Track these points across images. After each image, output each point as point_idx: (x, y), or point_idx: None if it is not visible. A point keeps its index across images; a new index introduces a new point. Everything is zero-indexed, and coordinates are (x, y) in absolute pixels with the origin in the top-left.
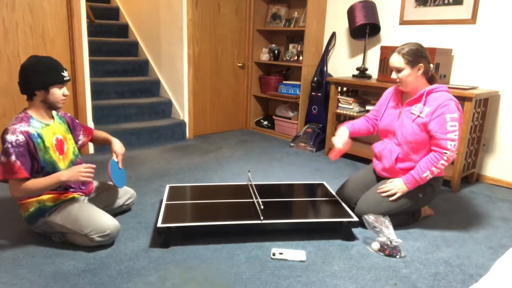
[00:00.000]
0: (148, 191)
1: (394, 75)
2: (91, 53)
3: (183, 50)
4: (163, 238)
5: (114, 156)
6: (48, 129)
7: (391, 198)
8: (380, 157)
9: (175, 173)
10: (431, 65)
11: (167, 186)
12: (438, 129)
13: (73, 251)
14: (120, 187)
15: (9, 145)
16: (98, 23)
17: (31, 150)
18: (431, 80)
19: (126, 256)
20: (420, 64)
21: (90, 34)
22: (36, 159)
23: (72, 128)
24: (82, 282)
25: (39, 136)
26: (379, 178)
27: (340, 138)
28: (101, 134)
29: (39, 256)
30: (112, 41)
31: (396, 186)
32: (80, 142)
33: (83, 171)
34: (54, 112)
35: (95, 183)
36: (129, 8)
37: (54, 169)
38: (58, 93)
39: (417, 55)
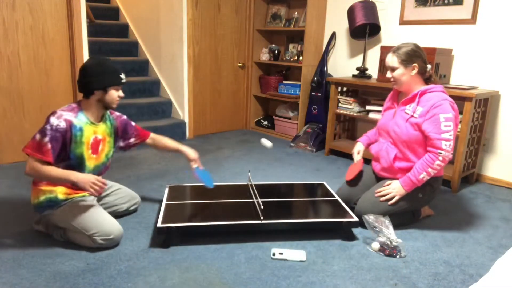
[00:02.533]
0: (148, 191)
1: (389, 74)
2: (91, 53)
3: (183, 50)
4: (163, 238)
5: (193, 164)
6: (91, 127)
7: (390, 202)
8: (378, 158)
9: (175, 173)
10: (429, 66)
11: (167, 186)
12: (432, 129)
13: (73, 251)
14: (212, 187)
15: (48, 127)
16: (98, 23)
17: (67, 139)
18: (428, 80)
19: (126, 256)
20: (414, 64)
21: (90, 34)
22: (65, 149)
23: (123, 131)
24: (82, 282)
25: (80, 129)
26: (379, 178)
27: (358, 153)
28: (168, 142)
29: (39, 256)
30: (112, 41)
31: (394, 189)
32: (131, 144)
33: (95, 183)
34: (108, 113)
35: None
36: (129, 8)
37: (80, 164)
38: (115, 94)
39: (412, 55)
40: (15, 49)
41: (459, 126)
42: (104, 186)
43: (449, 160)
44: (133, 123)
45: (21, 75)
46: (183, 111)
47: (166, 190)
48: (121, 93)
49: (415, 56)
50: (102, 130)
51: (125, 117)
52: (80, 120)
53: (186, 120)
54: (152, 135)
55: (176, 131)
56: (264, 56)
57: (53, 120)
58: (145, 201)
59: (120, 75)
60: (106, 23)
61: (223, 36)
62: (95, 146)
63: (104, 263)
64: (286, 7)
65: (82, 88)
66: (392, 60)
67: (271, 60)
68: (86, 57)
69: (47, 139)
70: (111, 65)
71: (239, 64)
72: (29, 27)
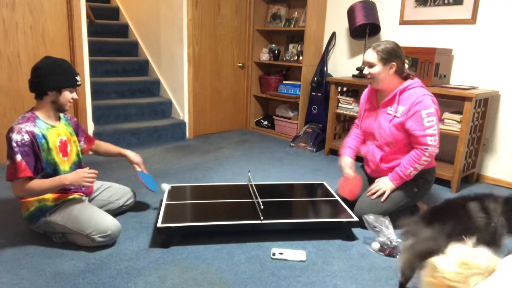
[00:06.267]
0: (148, 191)
1: (366, 70)
2: (91, 53)
3: (183, 50)
4: (163, 238)
5: (136, 167)
6: (53, 130)
7: (382, 199)
8: (367, 160)
9: (175, 173)
10: (406, 65)
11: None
12: (416, 126)
13: (73, 251)
14: (155, 191)
15: (15, 144)
16: (98, 23)
17: (36, 150)
18: (406, 79)
19: (126, 256)
20: (393, 63)
21: (90, 34)
22: (39, 159)
23: (76, 133)
24: (82, 282)
25: (44, 137)
26: (372, 179)
27: (350, 168)
28: (110, 147)
29: (39, 256)
30: (112, 41)
31: (384, 185)
32: (79, 149)
33: (87, 176)
34: (61, 114)
35: (95, 184)
36: (129, 8)
37: (55, 170)
38: (68, 96)
39: (391, 54)
40: (15, 49)
41: (459, 126)
42: (95, 173)
43: (435, 155)
44: (82, 127)
45: (21, 75)
46: (183, 111)
47: (166, 190)
48: (75, 95)
49: (395, 55)
50: (64, 130)
51: (75, 119)
52: (40, 127)
53: (186, 120)
54: (97, 141)
55: (176, 131)
56: (264, 56)
57: (16, 137)
58: (145, 201)
59: (76, 77)
60: (106, 23)
61: (223, 36)
62: (63, 149)
63: (104, 263)
64: (286, 7)
65: (34, 88)
66: (371, 56)
67: (271, 60)
68: (86, 57)
69: (18, 157)
70: (67, 66)
71: (239, 64)
72: (29, 27)
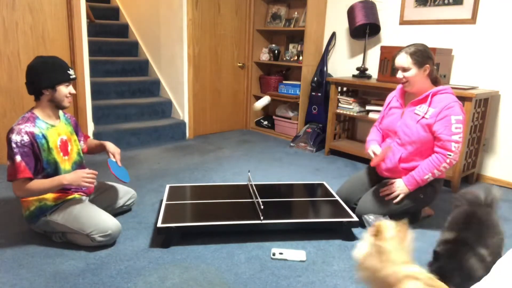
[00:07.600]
0: (148, 191)
1: (400, 75)
2: (91, 53)
3: (183, 50)
4: (163, 238)
5: (111, 156)
6: (53, 130)
7: (395, 201)
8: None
9: (175, 173)
10: (435, 66)
11: (167, 186)
12: (444, 130)
13: (73, 251)
14: (126, 181)
15: (14, 145)
16: (98, 23)
17: (35, 150)
18: (435, 81)
19: (126, 256)
20: (427, 65)
21: (90, 34)
22: (39, 159)
23: (75, 132)
24: (82, 282)
25: (44, 137)
26: (381, 179)
27: (377, 148)
28: (94, 141)
29: (39, 256)
30: (112, 41)
31: (398, 187)
32: (80, 148)
33: (86, 176)
34: (61, 113)
35: (95, 184)
36: (129, 8)
37: (56, 170)
38: (65, 91)
39: (425, 56)
40: (15, 49)
41: None
42: (94, 174)
43: (454, 163)
44: (79, 127)
45: (21, 75)
46: (183, 111)
47: (166, 190)
48: (71, 90)
49: (428, 57)
50: (64, 130)
51: (74, 118)
52: (40, 127)
53: (186, 120)
54: (88, 139)
55: (176, 131)
56: (264, 56)
57: (15, 138)
58: (145, 201)
59: (68, 71)
60: (106, 23)
61: (223, 36)
62: (64, 148)
63: (104, 263)
64: (286, 7)
65: (30, 89)
66: (406, 60)
67: (271, 60)
68: (86, 57)
69: (18, 158)
70: (58, 62)
71: (239, 64)
72: (29, 27)
